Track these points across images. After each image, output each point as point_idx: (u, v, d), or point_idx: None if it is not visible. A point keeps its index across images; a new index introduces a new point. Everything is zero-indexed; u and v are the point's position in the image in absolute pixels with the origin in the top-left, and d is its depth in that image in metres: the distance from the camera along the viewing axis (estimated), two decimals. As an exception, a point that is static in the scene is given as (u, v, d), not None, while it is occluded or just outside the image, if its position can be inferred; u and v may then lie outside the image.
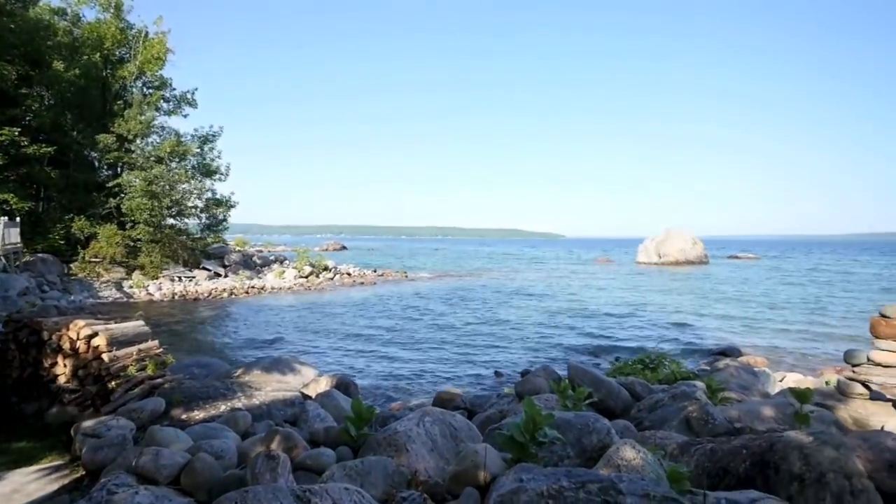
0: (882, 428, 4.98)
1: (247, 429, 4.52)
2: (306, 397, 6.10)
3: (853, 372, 5.72)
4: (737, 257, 64.28)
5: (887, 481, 3.94)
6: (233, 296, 22.72)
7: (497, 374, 10.61)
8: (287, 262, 34.19)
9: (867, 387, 5.60)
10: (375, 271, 35.70)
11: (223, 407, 4.94)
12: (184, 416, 4.74)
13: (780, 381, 8.61)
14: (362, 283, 28.90)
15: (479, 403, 6.20)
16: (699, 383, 6.39)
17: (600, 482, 2.55)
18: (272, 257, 35.47)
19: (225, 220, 28.68)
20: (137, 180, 23.40)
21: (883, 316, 5.55)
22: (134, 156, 24.07)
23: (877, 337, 5.59)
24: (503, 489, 2.74)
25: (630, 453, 3.31)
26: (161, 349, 5.39)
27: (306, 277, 28.36)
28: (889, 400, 5.50)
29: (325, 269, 31.65)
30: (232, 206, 28.34)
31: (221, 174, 27.67)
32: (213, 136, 27.25)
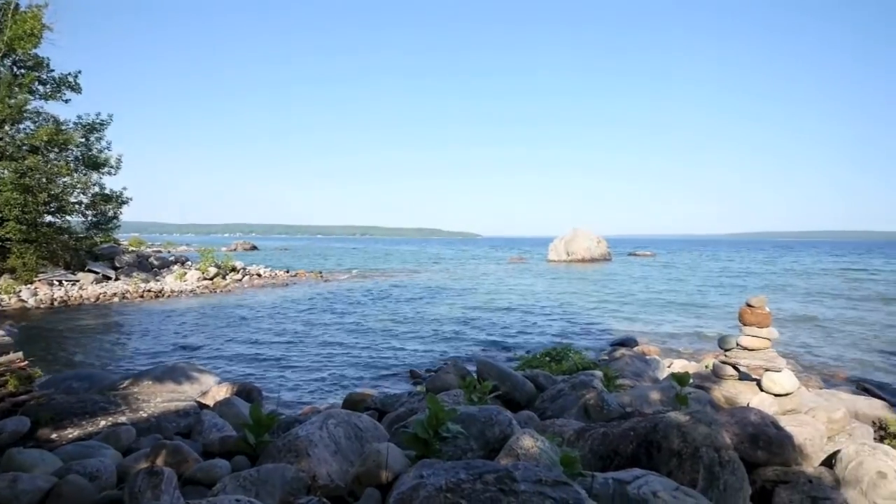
0: (748, 405, 5.62)
1: (130, 445, 4.13)
2: (203, 406, 5.71)
3: (725, 356, 6.39)
4: (635, 254, 69.54)
5: (749, 451, 4.45)
6: (125, 300, 20.76)
7: (412, 373, 10.61)
8: (189, 263, 31.87)
9: (737, 369, 6.30)
10: (288, 272, 34.33)
11: (103, 423, 4.47)
12: (54, 436, 4.22)
13: (669, 367, 9.41)
14: (274, 285, 27.64)
15: (390, 403, 6.15)
16: (597, 372, 6.82)
17: (496, 472, 2.61)
18: (172, 258, 32.87)
19: (116, 217, 26.02)
20: (6, 172, 20.60)
21: (749, 305, 6.26)
22: (2, 143, 21.16)
23: (744, 324, 6.29)
24: (403, 487, 2.73)
25: (528, 442, 3.43)
26: (26, 362, 4.76)
27: (211, 279, 26.61)
28: (754, 380, 6.21)
29: (233, 269, 29.92)
30: (124, 203, 25.78)
31: (111, 167, 25.06)
32: (102, 124, 24.60)
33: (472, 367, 7.52)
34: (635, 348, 11.84)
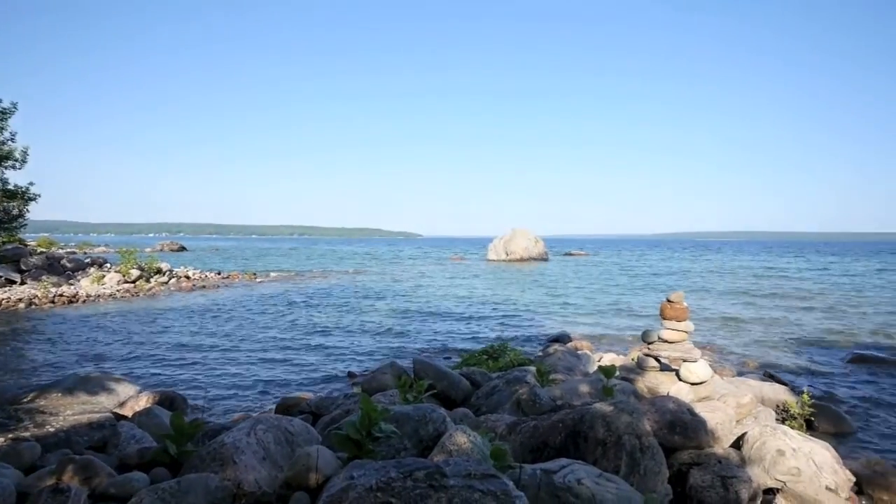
0: (667, 394, 5.99)
1: (34, 462, 3.79)
2: (121, 418, 5.34)
3: (648, 349, 6.77)
4: (571, 254, 72.16)
5: (667, 437, 4.75)
6: (32, 306, 18.99)
7: (350, 374, 10.45)
8: (108, 265, 29.69)
9: (658, 360, 6.70)
10: (220, 274, 32.78)
11: (1, 440, 4.07)
12: (-59, 457, 3.80)
13: (598, 361, 9.84)
14: (204, 287, 26.28)
15: (325, 405, 6.03)
16: (531, 368, 7.03)
17: (426, 469, 2.63)
18: (88, 260, 30.50)
19: (21, 215, 23.74)
20: None
21: (668, 301, 6.68)
22: None
23: (664, 318, 6.69)
24: (333, 489, 2.69)
25: (461, 438, 3.49)
26: None
27: (133, 282, 24.92)
28: (674, 370, 6.62)
29: (158, 272, 28.18)
30: (31, 199, 23.57)
31: (15, 160, 22.83)
32: (4, 113, 22.40)
33: (411, 367, 7.52)
34: (568, 344, 12.29)
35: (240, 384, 9.79)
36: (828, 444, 5.13)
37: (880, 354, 11.55)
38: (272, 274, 35.66)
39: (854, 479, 4.95)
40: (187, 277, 29.41)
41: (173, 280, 27.64)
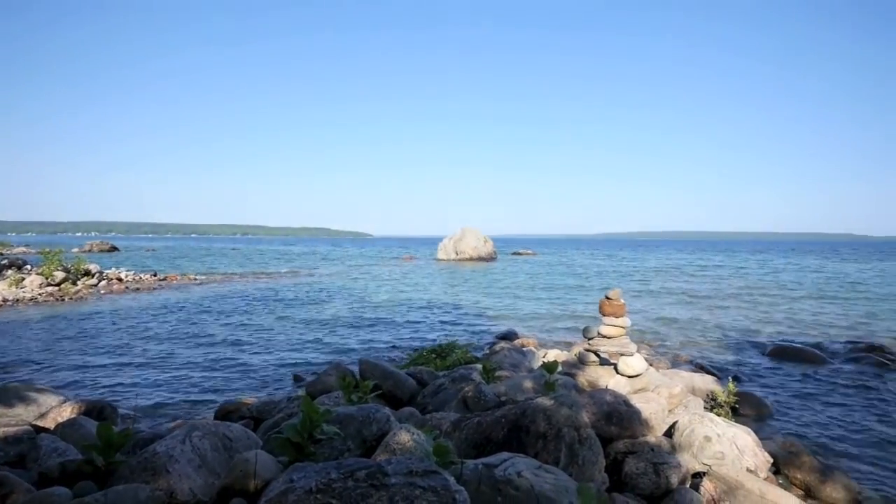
0: (606, 387, 6.25)
1: (-62, 482, 3.47)
2: (42, 430, 4.98)
3: (588, 344, 7.05)
4: (519, 254, 73.62)
5: (605, 427, 4.96)
6: (-61, 313, 17.33)
7: (296, 377, 10.21)
8: (29, 266, 27.54)
9: (598, 355, 6.99)
10: (156, 275, 31.10)
11: None
12: None
13: (543, 357, 10.12)
14: (138, 290, 24.85)
15: (268, 410, 5.88)
16: (477, 366, 7.13)
17: (368, 468, 2.63)
18: (5, 261, 28.15)
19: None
20: None
21: (607, 298, 6.97)
22: None
23: (603, 315, 6.99)
24: (272, 493, 2.63)
25: (405, 437, 3.50)
26: None
27: (58, 285, 23.22)
28: (612, 364, 6.93)
29: (87, 274, 26.40)
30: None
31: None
32: None
33: (357, 368, 7.44)
34: (515, 341, 12.55)
35: (177, 390, 9.36)
36: (749, 429, 5.53)
37: (797, 345, 12.53)
38: (214, 275, 34.23)
39: (772, 460, 5.36)
40: (119, 279, 27.71)
41: (103, 283, 25.96)
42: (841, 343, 13.27)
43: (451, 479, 2.68)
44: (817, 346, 12.75)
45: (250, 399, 7.86)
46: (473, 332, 15.30)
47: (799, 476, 5.41)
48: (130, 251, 72.18)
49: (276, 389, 9.58)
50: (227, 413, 6.30)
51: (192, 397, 9.01)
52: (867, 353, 11.47)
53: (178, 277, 30.91)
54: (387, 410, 4.05)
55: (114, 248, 71.50)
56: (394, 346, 13.43)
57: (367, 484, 2.58)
